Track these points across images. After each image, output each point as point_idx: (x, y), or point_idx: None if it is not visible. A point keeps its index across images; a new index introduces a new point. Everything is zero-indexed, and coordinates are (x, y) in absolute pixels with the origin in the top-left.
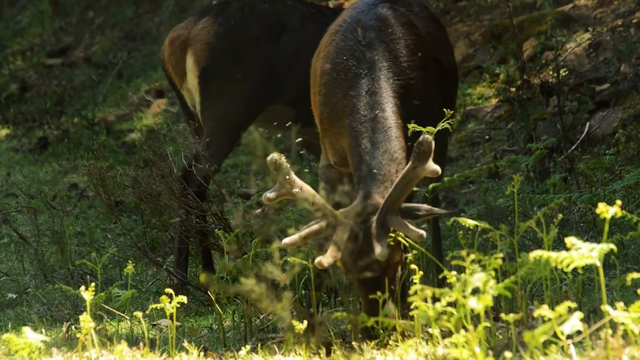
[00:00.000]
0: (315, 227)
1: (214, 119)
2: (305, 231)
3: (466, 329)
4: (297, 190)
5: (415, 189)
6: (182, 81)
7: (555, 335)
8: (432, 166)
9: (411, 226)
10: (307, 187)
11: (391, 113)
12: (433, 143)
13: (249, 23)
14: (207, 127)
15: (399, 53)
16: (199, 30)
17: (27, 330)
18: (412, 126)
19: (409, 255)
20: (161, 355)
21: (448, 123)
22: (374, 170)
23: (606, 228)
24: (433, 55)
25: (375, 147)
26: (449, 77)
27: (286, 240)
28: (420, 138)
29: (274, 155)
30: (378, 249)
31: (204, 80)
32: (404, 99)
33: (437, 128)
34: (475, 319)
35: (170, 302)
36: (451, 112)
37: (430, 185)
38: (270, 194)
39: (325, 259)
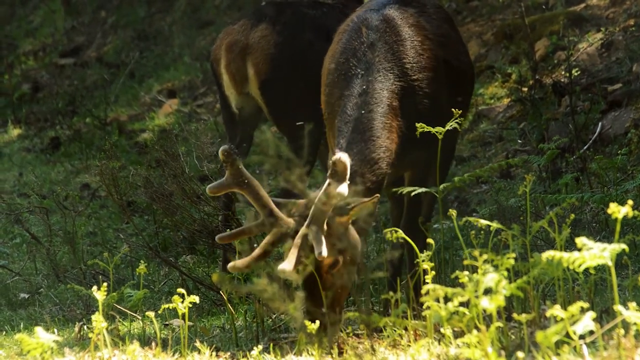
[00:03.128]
0: (268, 239)
1: (286, 125)
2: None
3: (478, 329)
4: (244, 181)
5: (425, 189)
6: (242, 87)
7: (567, 335)
8: (340, 188)
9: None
10: (254, 181)
11: (379, 114)
12: (348, 162)
13: (304, 30)
14: (283, 133)
15: (403, 54)
16: (259, 39)
17: (39, 330)
18: (420, 126)
19: (422, 256)
20: (173, 355)
21: (457, 123)
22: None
23: (618, 228)
24: (443, 56)
25: (349, 147)
26: (462, 78)
27: (237, 263)
28: (335, 157)
29: (225, 147)
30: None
31: (266, 91)
32: (407, 100)
33: (446, 128)
34: (488, 319)
35: (182, 302)
36: (459, 112)
37: (441, 185)
38: (212, 187)
39: (287, 266)
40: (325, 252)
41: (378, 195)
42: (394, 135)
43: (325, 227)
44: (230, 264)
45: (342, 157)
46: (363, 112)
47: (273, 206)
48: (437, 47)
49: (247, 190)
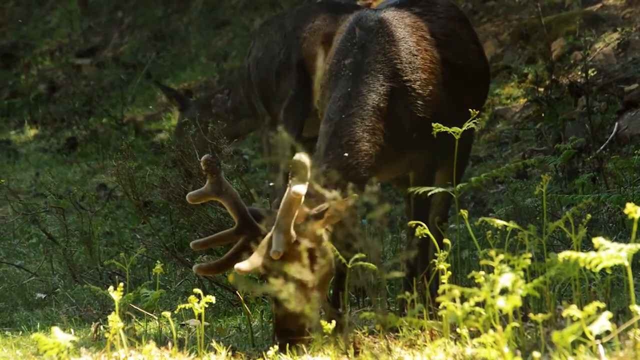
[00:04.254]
0: (237, 245)
1: None
2: (229, 253)
3: (495, 329)
4: (222, 190)
5: (442, 189)
6: None
7: (583, 335)
8: (295, 188)
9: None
10: (233, 190)
11: (360, 117)
12: (307, 162)
13: None
14: None
15: (395, 55)
16: None
17: (56, 330)
18: (437, 126)
19: (439, 256)
20: (189, 355)
21: (474, 123)
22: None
23: (635, 228)
24: (445, 56)
25: (326, 153)
26: (470, 79)
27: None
28: (294, 158)
29: (207, 156)
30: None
31: None
32: (397, 102)
33: (463, 128)
34: (504, 319)
35: (198, 302)
36: (477, 112)
37: (458, 186)
38: (192, 195)
39: (244, 265)
40: (280, 250)
41: (355, 195)
42: (377, 139)
43: (292, 231)
44: (195, 266)
45: (302, 158)
46: (343, 115)
47: (248, 214)
48: (437, 48)
49: (224, 199)
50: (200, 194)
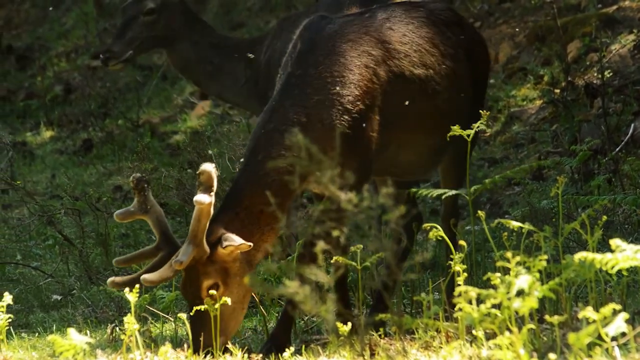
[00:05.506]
0: (148, 249)
1: None
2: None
3: (510, 331)
4: (147, 209)
5: (457, 191)
6: None
7: (599, 337)
8: (198, 197)
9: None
10: (157, 208)
11: (280, 133)
12: (213, 172)
13: None
14: None
15: (328, 69)
16: None
17: (72, 331)
18: (455, 128)
19: (455, 257)
20: (205, 356)
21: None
22: (231, 193)
23: None
24: (400, 69)
25: (244, 169)
26: (444, 86)
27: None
28: (200, 168)
29: (136, 175)
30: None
31: None
32: (324, 115)
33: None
34: (520, 320)
35: (214, 304)
36: (482, 120)
37: (472, 188)
38: (119, 214)
39: (151, 276)
40: (183, 260)
41: (251, 244)
42: (296, 155)
43: (205, 247)
44: (109, 280)
45: (206, 167)
46: (263, 130)
47: (169, 232)
48: (387, 61)
49: (149, 217)
50: (128, 212)
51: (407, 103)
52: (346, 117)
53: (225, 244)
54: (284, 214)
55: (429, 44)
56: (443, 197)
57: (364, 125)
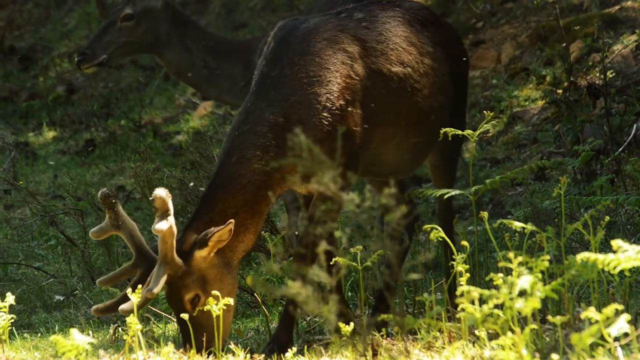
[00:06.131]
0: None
1: None
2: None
3: (513, 331)
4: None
5: (459, 191)
6: None
7: (602, 337)
8: (158, 225)
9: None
10: (130, 223)
11: (254, 134)
12: (167, 197)
13: None
14: None
15: (303, 69)
16: None
17: (74, 332)
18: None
19: (457, 258)
20: (208, 356)
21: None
22: (205, 197)
23: None
24: (377, 66)
25: (218, 173)
26: (424, 84)
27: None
28: (153, 194)
29: (104, 190)
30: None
31: None
32: (300, 114)
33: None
34: (522, 321)
35: (216, 304)
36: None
37: (473, 188)
38: (94, 231)
39: (127, 306)
40: (154, 290)
41: (232, 221)
42: (272, 156)
43: (178, 262)
44: (93, 308)
45: (158, 193)
46: (237, 132)
47: (144, 246)
48: (365, 59)
49: (122, 232)
50: (100, 230)
51: (386, 100)
52: (326, 114)
53: (206, 237)
54: (261, 216)
55: (405, 42)
56: (442, 197)
57: (346, 120)
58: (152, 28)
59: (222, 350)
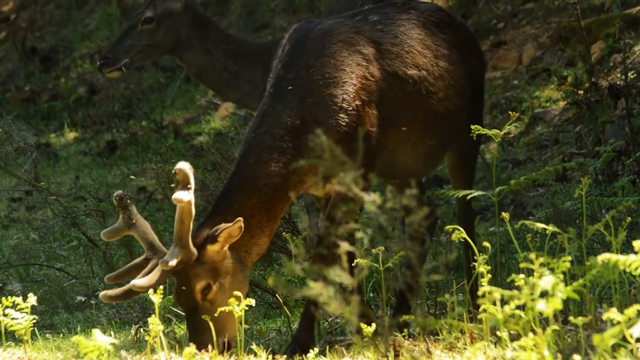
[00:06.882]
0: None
1: None
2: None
3: (535, 332)
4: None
5: (482, 192)
6: None
7: (624, 338)
8: (177, 194)
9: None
10: (142, 222)
11: (271, 137)
12: (189, 171)
13: None
14: None
15: (319, 71)
16: None
17: (96, 332)
18: (475, 128)
19: (479, 259)
20: (230, 357)
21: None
22: (221, 198)
23: None
24: (392, 68)
25: (235, 173)
26: (438, 87)
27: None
28: (176, 167)
29: (119, 193)
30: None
31: None
32: (315, 117)
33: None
34: (544, 322)
35: (238, 305)
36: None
37: (497, 189)
38: (107, 232)
39: (141, 281)
40: (171, 262)
41: (241, 218)
42: (289, 158)
43: (192, 249)
44: (102, 294)
45: (181, 165)
46: (254, 134)
47: (156, 242)
48: (379, 61)
49: (135, 231)
50: (114, 230)
51: (401, 103)
52: (342, 115)
53: (216, 233)
54: (277, 219)
55: (420, 45)
56: (461, 198)
57: (362, 120)
58: (172, 30)
59: (228, 351)
